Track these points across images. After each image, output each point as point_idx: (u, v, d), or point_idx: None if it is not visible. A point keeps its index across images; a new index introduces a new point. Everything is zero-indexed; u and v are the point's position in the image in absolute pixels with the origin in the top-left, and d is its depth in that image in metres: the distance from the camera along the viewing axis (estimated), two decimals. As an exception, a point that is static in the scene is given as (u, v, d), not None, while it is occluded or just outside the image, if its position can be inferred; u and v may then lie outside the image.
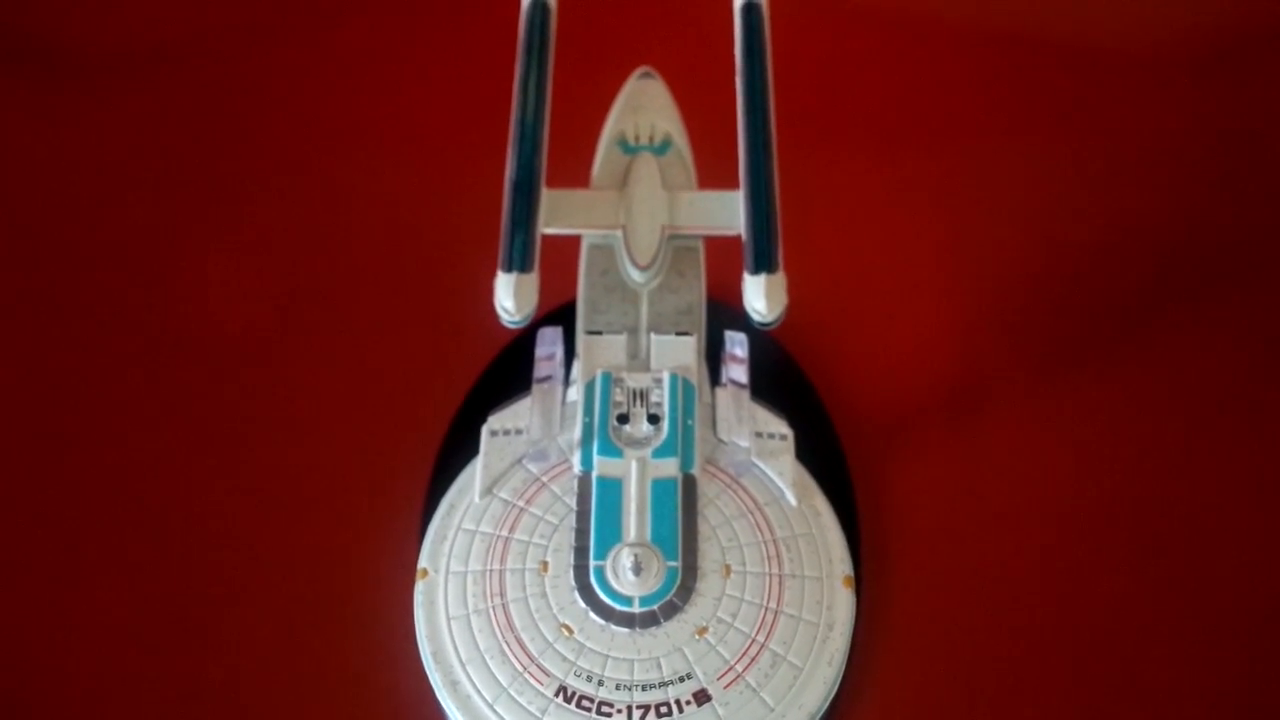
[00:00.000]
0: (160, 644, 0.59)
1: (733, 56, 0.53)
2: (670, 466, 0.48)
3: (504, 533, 0.48)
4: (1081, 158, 0.72)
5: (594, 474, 0.48)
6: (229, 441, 0.64)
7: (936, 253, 0.68)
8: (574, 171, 0.54)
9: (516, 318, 0.48)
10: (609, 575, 0.46)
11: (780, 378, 0.63)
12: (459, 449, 0.53)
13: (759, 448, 0.50)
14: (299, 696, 0.58)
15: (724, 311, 0.53)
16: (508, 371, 0.58)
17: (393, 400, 0.64)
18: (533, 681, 0.45)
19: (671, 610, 0.46)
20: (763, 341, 0.64)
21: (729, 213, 0.51)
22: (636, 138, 0.55)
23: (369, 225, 0.70)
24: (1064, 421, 0.64)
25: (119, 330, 0.67)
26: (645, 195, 0.53)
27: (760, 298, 0.48)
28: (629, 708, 0.45)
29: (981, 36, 0.76)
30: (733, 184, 0.51)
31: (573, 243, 0.54)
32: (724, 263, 0.53)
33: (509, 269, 0.48)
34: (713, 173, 0.54)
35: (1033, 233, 0.69)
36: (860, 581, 0.59)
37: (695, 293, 0.53)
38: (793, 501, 0.49)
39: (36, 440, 0.64)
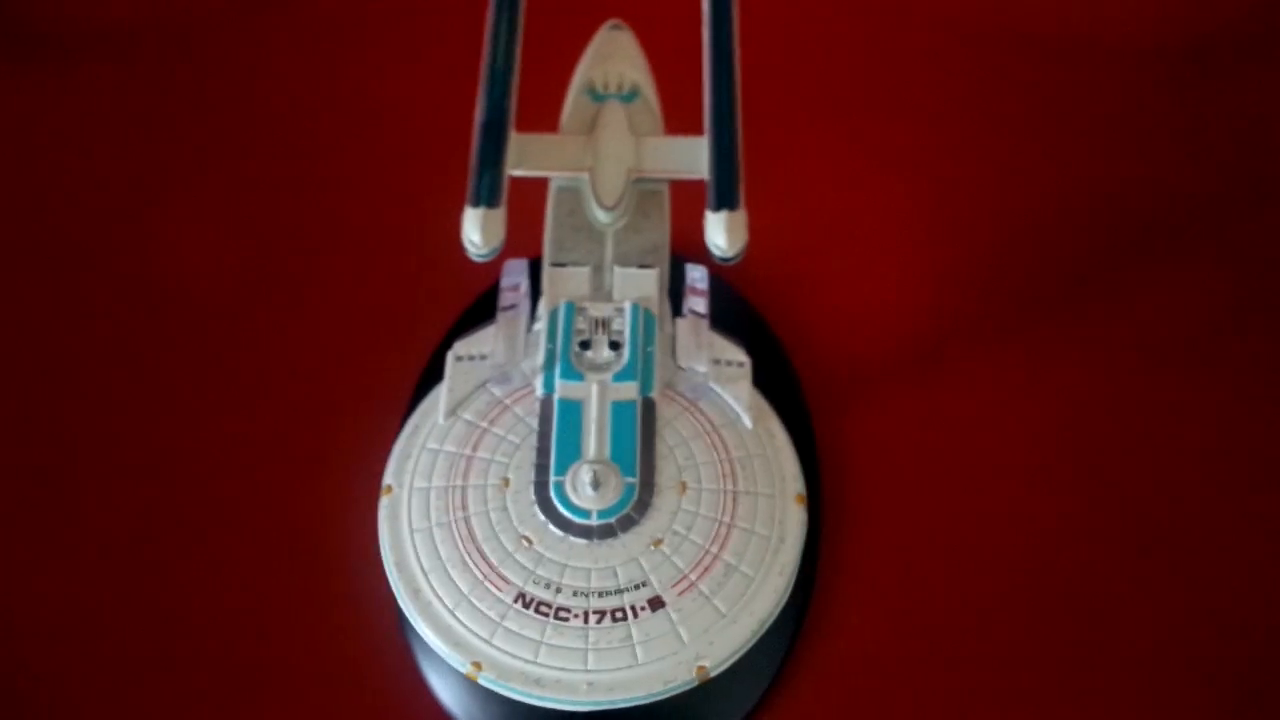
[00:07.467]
0: (139, 571, 0.60)
1: (700, 9, 0.54)
2: (630, 390, 0.50)
3: (467, 451, 0.49)
4: (1052, 132, 0.73)
5: (555, 396, 0.50)
6: (209, 380, 0.65)
7: (906, 212, 0.69)
8: (544, 119, 0.55)
9: (483, 251, 0.50)
10: (568, 490, 0.48)
11: (745, 329, 0.64)
12: (437, 383, 0.54)
13: (717, 374, 0.51)
14: (272, 611, 0.59)
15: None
16: (487, 311, 0.59)
17: (372, 343, 0.65)
18: (492, 589, 0.47)
19: (628, 523, 0.48)
20: (731, 297, 0.66)
21: (693, 157, 0.52)
22: (605, 86, 0.56)
23: (346, 174, 0.71)
24: (1028, 375, 0.65)
25: (96, 278, 0.68)
26: (612, 140, 0.54)
27: (721, 233, 0.50)
28: (585, 613, 0.46)
29: (956, 11, 0.78)
30: (698, 133, 0.52)
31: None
32: (692, 217, 0.54)
33: (476, 204, 0.49)
34: (679, 123, 0.56)
35: (1003, 196, 0.71)
36: (819, 526, 0.61)
37: (660, 233, 0.54)
38: (748, 424, 0.50)
39: (9, 385, 0.65)
